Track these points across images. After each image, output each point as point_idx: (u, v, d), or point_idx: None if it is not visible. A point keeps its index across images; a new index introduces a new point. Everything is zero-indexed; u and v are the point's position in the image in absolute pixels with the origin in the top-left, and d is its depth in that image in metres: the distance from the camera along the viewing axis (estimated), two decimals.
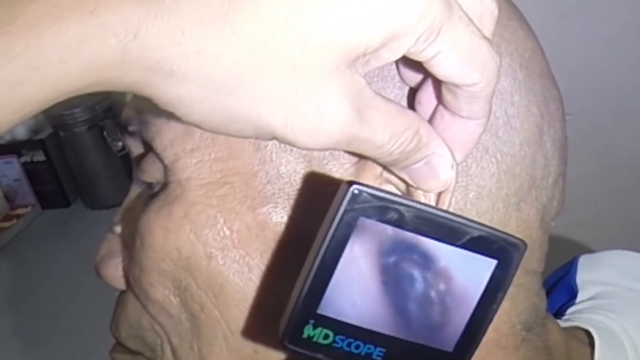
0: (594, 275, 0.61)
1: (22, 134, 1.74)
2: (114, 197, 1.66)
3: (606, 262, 0.64)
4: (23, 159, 1.76)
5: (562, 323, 0.54)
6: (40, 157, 1.74)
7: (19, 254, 1.68)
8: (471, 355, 0.37)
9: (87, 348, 1.31)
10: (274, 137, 0.33)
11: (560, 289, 0.61)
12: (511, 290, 0.42)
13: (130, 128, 0.45)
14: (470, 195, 0.41)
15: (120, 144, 1.66)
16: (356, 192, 0.32)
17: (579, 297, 0.59)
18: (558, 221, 0.47)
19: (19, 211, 1.78)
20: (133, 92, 0.32)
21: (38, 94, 0.29)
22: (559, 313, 0.57)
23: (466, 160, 0.40)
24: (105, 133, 1.67)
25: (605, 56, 1.44)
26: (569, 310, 0.58)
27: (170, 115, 0.33)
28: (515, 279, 0.42)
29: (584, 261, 0.64)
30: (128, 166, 1.67)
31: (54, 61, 0.29)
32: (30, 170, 1.77)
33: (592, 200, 1.55)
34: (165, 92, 0.31)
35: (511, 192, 0.42)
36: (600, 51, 1.44)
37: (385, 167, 0.37)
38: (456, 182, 0.37)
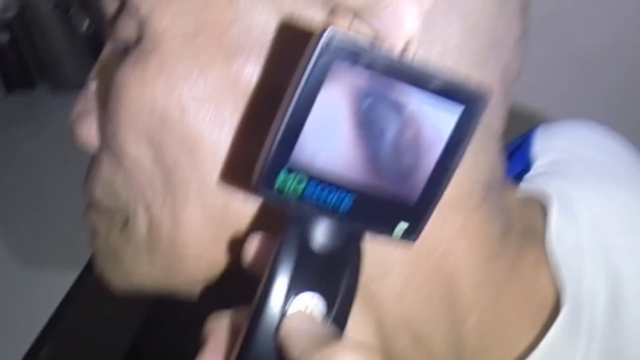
0: (552, 142, 0.63)
1: None
2: (80, 77, 1.62)
3: (564, 130, 0.65)
4: None
5: (520, 188, 0.56)
6: (5, 37, 1.71)
7: None
8: (435, 204, 0.39)
9: (55, 226, 1.33)
10: None
11: (518, 157, 0.63)
12: (473, 148, 0.44)
13: None
14: (436, 50, 0.42)
15: (86, 23, 1.65)
16: (330, 35, 0.34)
17: (535, 166, 0.61)
18: (518, 113, 0.49)
19: None
20: None
21: None
22: (516, 179, 0.59)
23: (433, 16, 0.41)
24: (71, 12, 1.64)
25: None
26: (526, 176, 0.60)
27: None
28: (477, 137, 0.44)
29: (542, 131, 0.65)
30: (93, 47, 1.67)
31: None
32: None
33: (552, 86, 1.57)
34: None
35: (475, 49, 0.43)
36: None
37: (355, 18, 0.38)
38: (421, 33, 0.38)
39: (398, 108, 0.36)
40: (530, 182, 0.58)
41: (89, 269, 1.22)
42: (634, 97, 1.60)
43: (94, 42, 1.69)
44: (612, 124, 0.68)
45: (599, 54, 1.57)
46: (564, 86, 1.59)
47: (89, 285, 1.22)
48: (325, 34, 0.34)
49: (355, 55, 0.34)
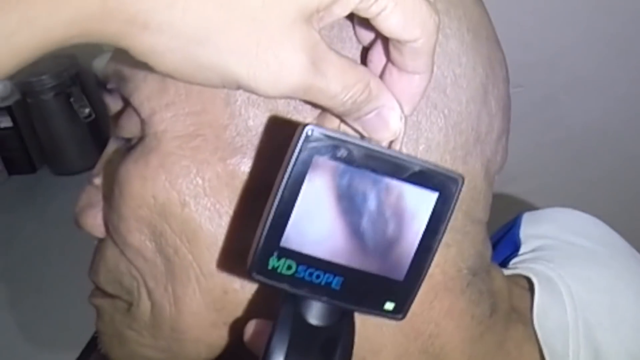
0: (536, 229, 0.66)
1: None
2: (80, 163, 1.67)
3: (548, 217, 0.68)
4: None
5: (506, 271, 0.58)
6: (7, 123, 1.73)
7: None
8: (419, 284, 0.41)
9: (55, 307, 1.34)
10: (238, 86, 0.37)
11: (504, 243, 0.65)
12: (457, 237, 0.46)
13: (109, 85, 0.48)
14: (420, 148, 0.45)
15: (87, 110, 1.67)
16: (309, 132, 0.36)
17: (522, 250, 0.63)
18: (508, 190, 0.51)
19: None
20: (113, 44, 0.36)
21: (29, 43, 0.33)
22: (503, 264, 0.61)
23: (417, 115, 0.44)
24: (72, 100, 1.67)
25: (557, 29, 1.47)
26: (512, 261, 0.62)
27: (145, 66, 0.36)
28: (461, 227, 0.46)
29: (527, 217, 0.68)
30: (94, 133, 1.70)
31: (43, 15, 0.33)
32: None
33: (541, 170, 1.59)
34: (140, 43, 0.35)
35: (458, 146, 0.46)
36: (554, 24, 1.46)
37: (342, 120, 0.41)
38: (405, 132, 0.40)
39: (377, 196, 0.38)
40: (517, 266, 0.60)
41: (89, 349, 1.23)
42: (624, 181, 1.62)
43: (95, 128, 1.72)
44: (603, 208, 0.71)
45: (590, 139, 1.60)
46: (555, 169, 1.61)
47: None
48: (306, 130, 0.36)
49: (334, 148, 0.37)
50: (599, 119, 1.58)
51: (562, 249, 0.62)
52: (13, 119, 1.73)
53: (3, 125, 1.73)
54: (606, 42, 1.49)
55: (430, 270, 0.41)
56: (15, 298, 1.40)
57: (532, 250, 0.63)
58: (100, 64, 1.56)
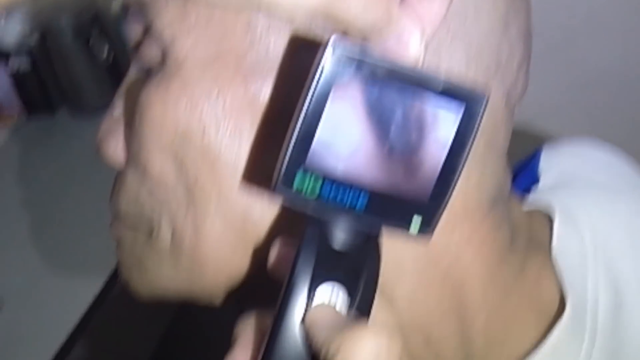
0: (556, 162, 0.66)
1: (9, 43, 1.73)
2: (99, 104, 1.68)
3: (568, 151, 0.68)
4: (10, 68, 1.75)
5: (525, 203, 0.59)
6: (26, 65, 1.73)
7: (5, 160, 1.69)
8: (444, 204, 0.40)
9: (79, 238, 1.36)
10: (259, 7, 0.36)
11: (524, 175, 0.65)
12: (478, 165, 0.46)
13: (131, 12, 0.48)
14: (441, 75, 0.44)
15: (106, 51, 1.67)
16: (335, 44, 0.36)
17: (541, 182, 0.63)
18: (525, 133, 0.51)
19: (5, 119, 1.78)
20: None
21: None
22: (522, 196, 0.61)
23: (437, 45, 0.44)
24: (91, 41, 1.67)
25: None
26: (532, 193, 0.62)
27: None
28: (482, 155, 0.46)
29: (547, 150, 0.68)
30: (113, 74, 1.70)
31: None
32: (16, 79, 1.76)
33: (559, 114, 1.58)
34: None
35: (478, 73, 0.46)
36: None
37: (363, 40, 0.41)
38: (425, 59, 0.40)
39: (402, 113, 0.38)
40: (536, 198, 0.60)
41: (112, 279, 1.25)
42: None
43: (114, 68, 1.72)
44: (618, 144, 0.70)
45: (608, 82, 1.59)
46: (573, 108, 1.60)
47: (114, 292, 1.25)
48: (331, 40, 0.36)
49: (359, 60, 0.37)
50: (618, 62, 1.56)
51: (582, 181, 0.62)
52: (32, 61, 1.73)
53: (22, 67, 1.73)
54: None
55: (451, 198, 0.40)
56: (37, 233, 1.43)
57: (552, 183, 0.63)
58: (119, 5, 1.56)
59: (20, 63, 1.73)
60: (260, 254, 0.47)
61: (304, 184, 0.38)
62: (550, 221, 0.56)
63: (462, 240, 0.48)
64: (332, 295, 0.40)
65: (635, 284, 0.53)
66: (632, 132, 1.59)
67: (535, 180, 0.63)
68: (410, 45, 0.39)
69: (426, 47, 0.40)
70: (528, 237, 0.53)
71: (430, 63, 0.44)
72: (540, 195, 0.60)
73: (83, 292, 1.25)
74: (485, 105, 0.39)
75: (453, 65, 0.45)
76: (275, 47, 0.44)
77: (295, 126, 0.37)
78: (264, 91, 0.44)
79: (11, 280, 1.30)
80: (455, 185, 0.40)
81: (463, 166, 0.40)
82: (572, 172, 0.63)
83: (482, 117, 0.39)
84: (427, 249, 0.47)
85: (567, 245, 0.54)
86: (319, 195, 0.39)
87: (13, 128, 1.79)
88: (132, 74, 0.52)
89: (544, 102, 1.40)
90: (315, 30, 0.43)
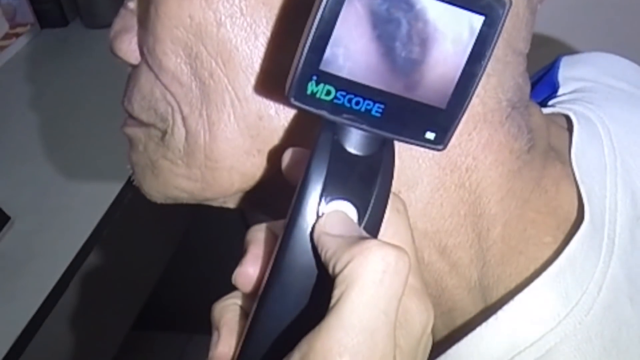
0: (575, 72, 0.64)
1: None
2: (112, 15, 1.62)
3: (587, 60, 0.66)
4: None
5: (545, 110, 0.58)
6: None
7: (18, 71, 1.69)
8: (462, 112, 0.40)
9: (88, 158, 1.36)
10: None
11: (543, 84, 0.64)
12: (498, 66, 0.46)
13: None
14: None
15: None
16: None
17: (560, 91, 0.62)
18: (539, 53, 0.49)
19: (18, 30, 1.78)
20: None
21: None
22: (541, 105, 0.60)
23: None
24: None
25: None
26: (551, 102, 0.61)
27: None
28: (502, 56, 0.45)
29: (566, 60, 0.66)
30: None
31: None
32: None
33: (573, 33, 1.56)
34: None
35: None
36: None
37: None
38: None
39: (421, 18, 0.37)
40: (555, 106, 0.59)
41: (126, 190, 1.27)
42: None
43: None
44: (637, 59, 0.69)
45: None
46: (588, 31, 1.58)
47: (126, 204, 1.26)
48: None
49: None
50: None
51: (601, 91, 0.61)
52: None
53: None
54: None
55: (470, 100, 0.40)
56: (49, 145, 1.44)
57: (571, 92, 0.62)
58: None
59: None
60: (274, 156, 0.47)
61: (319, 87, 0.38)
62: (570, 129, 0.55)
63: (480, 145, 0.47)
64: (343, 205, 0.40)
65: None
66: None
67: (554, 90, 0.62)
68: None
69: None
70: (546, 145, 0.52)
71: None
72: (559, 104, 0.59)
73: (95, 206, 1.26)
74: (509, 9, 0.37)
75: None
76: None
77: (309, 32, 0.36)
78: None
79: (23, 194, 1.31)
80: (474, 92, 0.39)
81: (483, 72, 0.39)
82: (592, 82, 0.62)
83: (504, 21, 0.38)
84: (443, 155, 0.46)
85: (587, 154, 0.53)
86: (334, 98, 0.38)
87: (26, 39, 1.79)
88: None
89: (563, 18, 1.39)
90: None
